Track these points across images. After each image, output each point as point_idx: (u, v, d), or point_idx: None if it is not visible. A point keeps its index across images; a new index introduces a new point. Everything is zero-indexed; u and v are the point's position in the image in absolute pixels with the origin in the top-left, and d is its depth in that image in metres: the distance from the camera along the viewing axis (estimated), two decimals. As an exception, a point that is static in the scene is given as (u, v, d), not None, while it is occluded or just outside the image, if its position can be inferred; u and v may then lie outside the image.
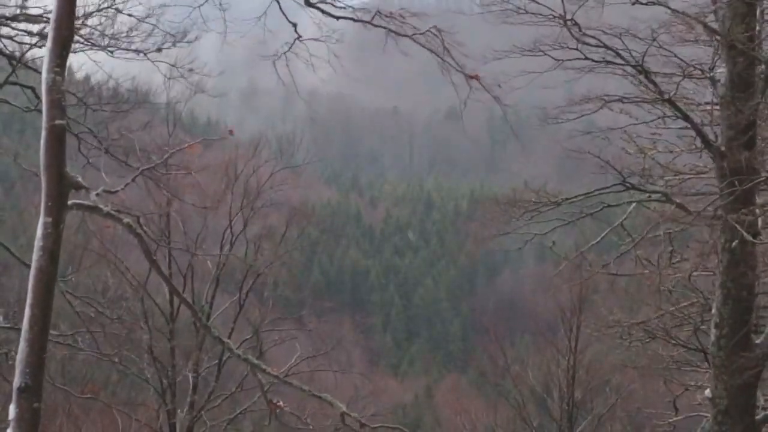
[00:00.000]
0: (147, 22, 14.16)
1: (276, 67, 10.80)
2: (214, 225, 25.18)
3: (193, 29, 13.97)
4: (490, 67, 12.34)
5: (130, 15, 14.12)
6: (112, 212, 7.81)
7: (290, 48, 10.76)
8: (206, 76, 14.83)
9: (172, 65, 14.24)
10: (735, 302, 13.86)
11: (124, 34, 14.14)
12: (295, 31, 10.91)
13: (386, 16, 10.01)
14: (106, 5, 14.02)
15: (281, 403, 9.27)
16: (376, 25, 10.13)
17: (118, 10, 14.13)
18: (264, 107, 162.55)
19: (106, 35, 14.06)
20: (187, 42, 14.22)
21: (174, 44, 14.16)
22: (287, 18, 10.83)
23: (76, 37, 13.60)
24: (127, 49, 14.22)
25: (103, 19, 14.13)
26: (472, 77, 9.74)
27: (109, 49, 14.16)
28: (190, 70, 14.33)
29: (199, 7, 11.57)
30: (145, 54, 14.16)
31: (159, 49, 14.15)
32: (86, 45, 14.13)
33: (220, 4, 11.16)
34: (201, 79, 14.77)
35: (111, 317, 19.25)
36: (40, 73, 7.71)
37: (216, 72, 15.46)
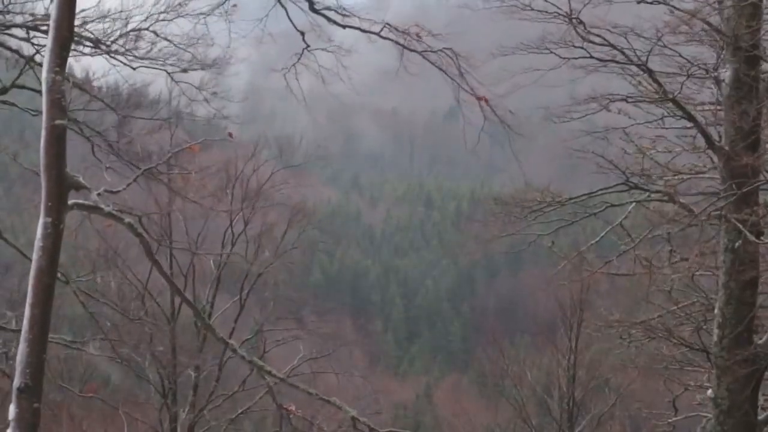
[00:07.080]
0: (182, 47, 13.95)
1: (287, 78, 10.72)
2: (215, 225, 25.17)
3: (225, 56, 13.86)
4: (493, 63, 12.29)
5: (156, 34, 13.87)
6: (114, 212, 7.76)
7: (299, 59, 10.66)
8: (229, 101, 14.82)
9: (197, 88, 14.16)
10: (738, 302, 13.81)
11: (147, 51, 14.00)
12: (303, 40, 10.81)
13: (398, 31, 9.82)
14: (139, 23, 13.82)
15: (293, 407, 9.18)
16: (384, 38, 9.97)
17: (155, 32, 13.95)
18: (264, 107, 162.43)
19: (128, 49, 13.89)
20: (217, 68, 14.13)
21: (203, 68, 14.05)
22: (295, 26, 10.72)
23: (99, 47, 13.53)
24: (154, 67, 14.08)
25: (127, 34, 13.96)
26: (480, 99, 9.66)
27: (130, 59, 13.99)
28: (214, 93, 14.25)
29: (205, 16, 11.50)
30: (169, 74, 14.03)
31: (185, 70, 14.03)
32: (109, 56, 13.99)
33: (227, 16, 11.07)
34: (224, 105, 14.75)
35: (130, 318, 19.28)
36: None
37: (239, 98, 15.39)
